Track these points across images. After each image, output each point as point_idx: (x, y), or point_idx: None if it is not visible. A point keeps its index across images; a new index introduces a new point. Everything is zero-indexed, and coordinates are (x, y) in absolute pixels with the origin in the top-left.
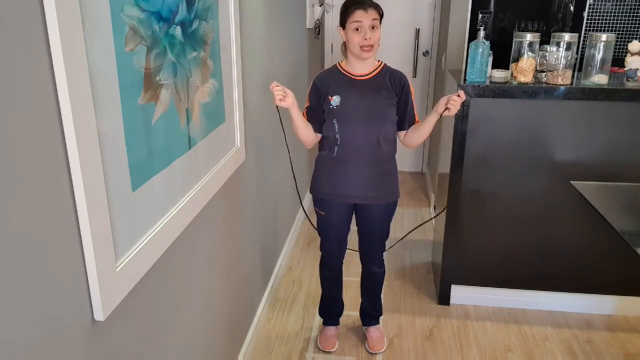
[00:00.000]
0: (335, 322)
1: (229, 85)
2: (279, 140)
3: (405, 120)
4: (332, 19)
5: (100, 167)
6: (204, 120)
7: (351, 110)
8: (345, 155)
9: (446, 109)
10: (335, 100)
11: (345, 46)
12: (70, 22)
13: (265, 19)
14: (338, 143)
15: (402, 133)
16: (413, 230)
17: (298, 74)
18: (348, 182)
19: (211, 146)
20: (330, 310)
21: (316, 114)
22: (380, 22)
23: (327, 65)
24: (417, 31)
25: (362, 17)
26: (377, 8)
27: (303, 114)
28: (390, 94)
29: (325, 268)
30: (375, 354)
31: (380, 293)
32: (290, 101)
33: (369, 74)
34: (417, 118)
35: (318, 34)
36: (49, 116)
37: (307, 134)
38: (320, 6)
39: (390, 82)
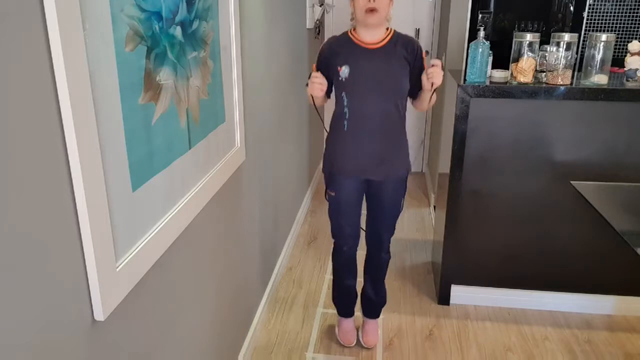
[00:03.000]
0: (351, 313)
1: (229, 85)
2: (279, 139)
3: (415, 87)
4: (332, 19)
5: (100, 167)
6: (204, 120)
7: (361, 81)
8: (355, 128)
9: (431, 84)
10: (344, 71)
11: (354, 16)
12: (70, 22)
13: (265, 19)
14: (347, 117)
15: (410, 99)
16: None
17: (298, 74)
18: (360, 155)
19: (211, 146)
20: (345, 299)
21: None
22: None
23: None
24: (417, 31)
25: None
26: None
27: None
28: (403, 62)
29: (339, 255)
30: (370, 349)
31: (384, 278)
32: (322, 91)
33: (379, 42)
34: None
35: (318, 34)
36: (49, 116)
37: (321, 99)
38: (320, 6)
39: (403, 49)
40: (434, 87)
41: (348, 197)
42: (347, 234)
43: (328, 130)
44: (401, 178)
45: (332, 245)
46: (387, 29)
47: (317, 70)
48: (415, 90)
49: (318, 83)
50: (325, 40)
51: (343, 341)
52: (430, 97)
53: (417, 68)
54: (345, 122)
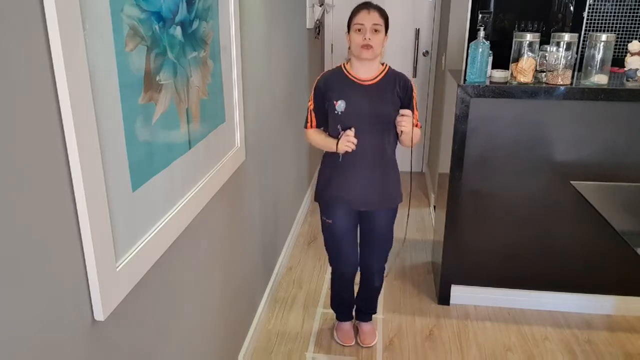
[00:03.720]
0: (349, 318)
1: (229, 85)
2: (279, 139)
3: None
4: (332, 19)
5: (100, 167)
6: (204, 120)
7: (356, 116)
8: (350, 161)
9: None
10: (340, 105)
11: (349, 50)
12: (70, 22)
13: (265, 19)
14: None
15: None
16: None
17: (298, 74)
18: (353, 187)
19: (211, 146)
20: (343, 308)
21: (322, 116)
22: (386, 30)
23: (327, 65)
24: (417, 31)
25: (364, 19)
26: (382, 13)
27: (308, 115)
28: (395, 98)
29: (339, 279)
30: (370, 348)
31: (377, 298)
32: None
33: (374, 78)
34: (417, 122)
35: (318, 34)
36: (49, 116)
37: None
38: (320, 6)
39: (395, 86)
40: (402, 134)
41: (344, 223)
42: (346, 259)
43: (322, 159)
44: (393, 207)
45: (331, 270)
46: (383, 64)
47: (313, 103)
48: None
49: (352, 143)
50: (320, 75)
51: (342, 341)
52: (411, 137)
53: (405, 105)
54: (340, 155)
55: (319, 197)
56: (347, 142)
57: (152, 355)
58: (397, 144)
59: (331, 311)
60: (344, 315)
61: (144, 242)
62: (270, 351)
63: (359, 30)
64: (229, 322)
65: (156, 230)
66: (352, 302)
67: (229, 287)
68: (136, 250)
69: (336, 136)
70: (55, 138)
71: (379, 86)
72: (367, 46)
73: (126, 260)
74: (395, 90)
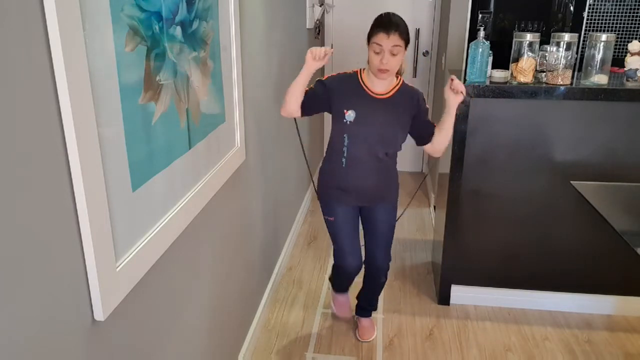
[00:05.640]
0: (346, 290)
1: (229, 85)
2: (279, 140)
3: (425, 135)
4: (332, 19)
5: (100, 167)
6: (204, 120)
7: (364, 129)
8: (352, 167)
9: (460, 92)
10: (350, 115)
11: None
12: (70, 22)
13: (265, 19)
14: (345, 155)
15: (427, 146)
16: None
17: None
18: (353, 190)
19: (211, 146)
20: (342, 285)
21: (313, 102)
22: (406, 48)
23: (327, 65)
24: (417, 31)
25: (383, 41)
26: (403, 34)
27: (305, 91)
28: (406, 115)
29: (341, 272)
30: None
31: (379, 294)
32: (314, 66)
33: (387, 93)
34: (435, 124)
35: (318, 34)
36: (49, 116)
37: (295, 100)
38: (320, 6)
39: (407, 101)
40: (462, 95)
41: (345, 219)
42: (349, 255)
43: (324, 158)
44: (391, 202)
45: (333, 262)
46: (398, 76)
47: (315, 88)
48: (423, 137)
49: (322, 51)
50: (336, 73)
51: (338, 313)
52: (454, 122)
53: (418, 118)
54: (344, 160)
55: (320, 196)
56: (320, 52)
57: (152, 355)
58: (396, 154)
59: (331, 311)
60: (341, 288)
61: (144, 242)
62: (270, 351)
63: (377, 52)
64: (229, 322)
65: (156, 231)
66: (351, 282)
67: (229, 287)
68: (136, 251)
69: (340, 143)
70: (55, 138)
71: (391, 102)
72: (385, 71)
73: (126, 261)
74: (407, 108)
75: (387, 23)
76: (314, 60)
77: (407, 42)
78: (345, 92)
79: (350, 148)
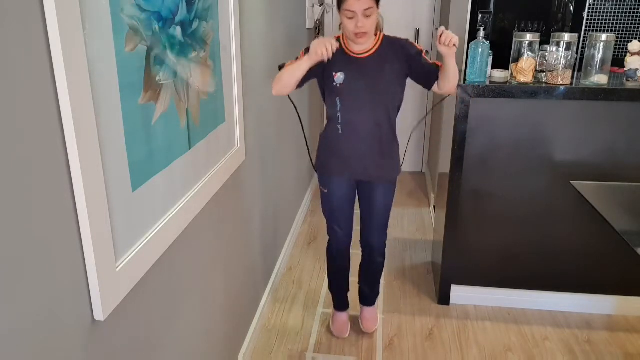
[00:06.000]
0: (346, 306)
1: (229, 85)
2: (279, 139)
3: (429, 78)
4: (332, 19)
5: (100, 167)
6: (204, 120)
7: (353, 89)
8: (348, 132)
9: (453, 45)
10: (339, 77)
11: (342, 30)
12: (70, 22)
13: (265, 19)
14: (340, 121)
15: (434, 88)
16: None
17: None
18: (350, 159)
19: (211, 146)
20: (338, 295)
21: (307, 72)
22: (378, 6)
23: None
24: (417, 31)
25: (354, 6)
26: None
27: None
28: (395, 64)
29: (334, 256)
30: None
31: (380, 278)
32: (318, 60)
33: (368, 51)
34: (437, 62)
35: (318, 33)
36: (49, 116)
37: (294, 81)
38: (320, 6)
39: (392, 52)
40: (455, 47)
41: (340, 193)
42: (340, 229)
43: (323, 128)
44: (391, 181)
45: (327, 244)
46: (376, 34)
47: (311, 69)
48: (428, 80)
49: (329, 43)
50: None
51: (336, 333)
52: (454, 62)
53: (414, 65)
54: (339, 126)
55: (317, 167)
56: (326, 43)
57: (152, 355)
58: (396, 116)
59: (331, 311)
60: (340, 302)
61: (144, 242)
62: (270, 351)
63: (350, 18)
64: (229, 322)
65: (156, 230)
66: (347, 285)
67: (229, 287)
68: (136, 250)
69: (334, 109)
70: (56, 138)
71: (374, 59)
72: (363, 34)
73: (126, 260)
74: (395, 59)
75: None
76: (318, 55)
77: (377, 1)
78: (331, 58)
79: (344, 112)
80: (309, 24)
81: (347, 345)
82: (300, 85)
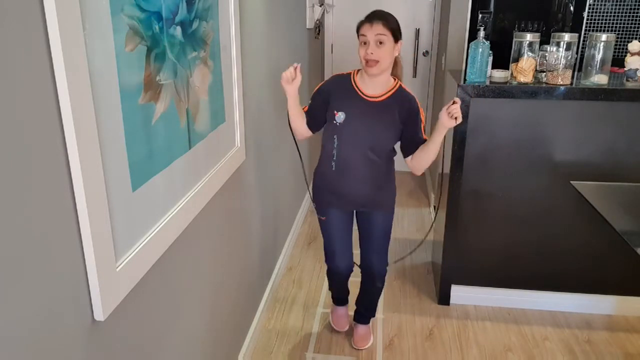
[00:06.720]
0: (345, 302)
1: (229, 85)
2: (279, 139)
3: (410, 147)
4: (332, 19)
5: (100, 167)
6: (204, 120)
7: (352, 131)
8: (343, 171)
9: (454, 118)
10: (339, 116)
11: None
12: (70, 22)
13: (265, 19)
14: (334, 158)
15: (408, 159)
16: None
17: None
18: (347, 195)
19: (211, 146)
20: (339, 296)
21: (316, 116)
22: (397, 39)
23: (327, 65)
24: (417, 31)
25: (367, 31)
26: (388, 24)
27: (305, 107)
28: (397, 117)
29: (331, 275)
30: (368, 349)
31: (378, 302)
32: (292, 88)
33: (380, 95)
34: (426, 137)
35: (318, 34)
36: (49, 116)
37: (299, 124)
38: (320, 6)
39: (399, 104)
40: (456, 124)
41: (337, 220)
42: (338, 257)
43: (318, 161)
44: (389, 210)
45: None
46: (395, 79)
47: (312, 100)
48: (407, 148)
49: (291, 72)
50: (331, 76)
51: (336, 326)
52: (441, 142)
53: (409, 128)
54: (333, 163)
55: (314, 199)
56: (285, 74)
57: (152, 355)
58: (393, 156)
59: (330, 308)
60: (339, 300)
61: (144, 242)
62: (270, 351)
63: (364, 43)
64: (229, 322)
65: (156, 230)
66: (347, 291)
67: (229, 287)
68: (136, 250)
69: (331, 145)
70: (56, 138)
71: (383, 105)
72: (372, 61)
73: (126, 260)
74: (398, 112)
75: (371, 14)
76: (288, 83)
77: (394, 34)
78: (338, 93)
79: (340, 150)
80: (309, 24)
81: (347, 345)
82: (316, 127)
